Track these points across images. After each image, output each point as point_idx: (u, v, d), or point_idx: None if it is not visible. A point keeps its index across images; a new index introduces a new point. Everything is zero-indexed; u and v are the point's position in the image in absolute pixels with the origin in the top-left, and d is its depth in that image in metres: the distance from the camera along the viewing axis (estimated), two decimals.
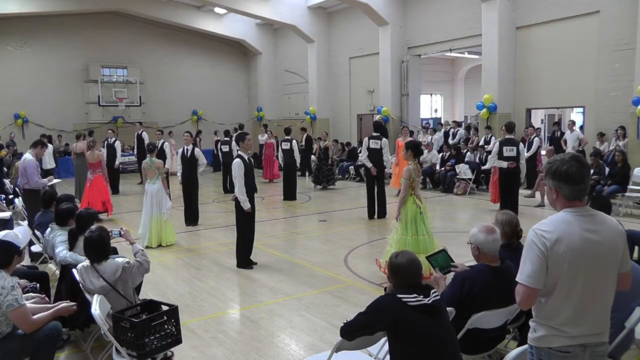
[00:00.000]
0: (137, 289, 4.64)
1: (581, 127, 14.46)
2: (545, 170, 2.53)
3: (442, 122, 19.44)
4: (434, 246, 6.10)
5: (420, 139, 15.62)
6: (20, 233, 4.30)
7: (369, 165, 10.11)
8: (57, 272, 5.36)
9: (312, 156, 16.84)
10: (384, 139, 10.32)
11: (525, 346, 2.71)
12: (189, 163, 9.89)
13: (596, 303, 2.47)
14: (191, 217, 10.07)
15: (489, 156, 10.84)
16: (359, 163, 15.97)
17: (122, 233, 4.54)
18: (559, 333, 2.44)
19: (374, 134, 10.32)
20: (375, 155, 10.13)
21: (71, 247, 5.00)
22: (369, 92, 19.16)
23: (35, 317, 3.72)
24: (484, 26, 14.35)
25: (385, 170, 10.48)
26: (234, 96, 24.79)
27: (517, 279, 2.48)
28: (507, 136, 9.79)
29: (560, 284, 2.42)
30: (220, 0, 18.51)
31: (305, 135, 17.63)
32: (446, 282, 3.69)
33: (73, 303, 4.05)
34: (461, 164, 13.62)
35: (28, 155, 8.29)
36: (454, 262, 3.80)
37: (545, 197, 4.77)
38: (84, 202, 10.30)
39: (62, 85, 20.77)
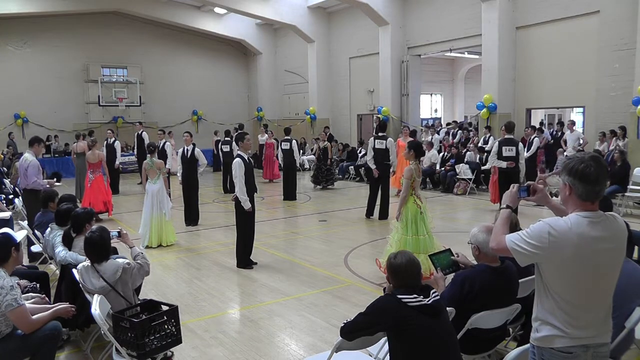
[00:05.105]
0: (137, 291, 4.64)
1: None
2: (563, 166, 2.50)
3: (439, 122, 19.52)
4: (434, 246, 6.11)
5: (422, 139, 15.64)
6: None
7: (373, 167, 9.99)
8: (57, 272, 5.36)
9: (312, 156, 16.81)
10: (389, 138, 10.21)
11: (526, 346, 2.71)
12: (189, 163, 9.89)
13: (599, 304, 2.47)
14: (191, 217, 10.07)
15: (489, 156, 10.84)
16: (360, 163, 15.99)
17: (121, 235, 4.51)
18: (562, 333, 2.44)
19: (380, 133, 10.13)
20: (381, 156, 9.99)
21: (68, 248, 4.98)
22: (369, 92, 19.16)
23: (34, 317, 3.71)
24: (484, 26, 14.35)
25: (390, 170, 10.29)
26: (234, 96, 24.79)
27: (507, 236, 2.51)
28: (506, 136, 9.79)
29: (565, 285, 2.42)
30: (220, 0, 18.51)
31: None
32: (446, 283, 3.69)
33: (72, 305, 4.05)
34: (461, 164, 13.62)
35: (29, 156, 8.12)
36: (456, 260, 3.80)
37: None
38: (85, 202, 10.30)
39: (62, 85, 20.77)
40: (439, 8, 16.28)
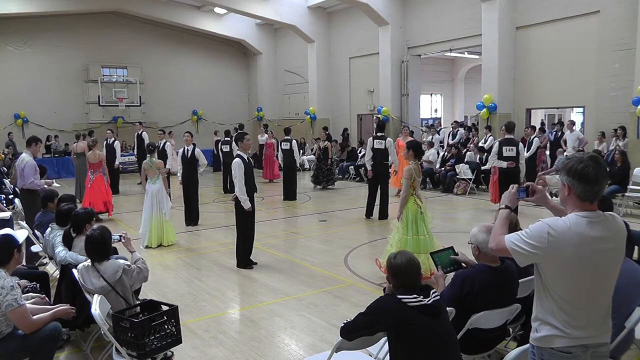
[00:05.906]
0: (137, 293, 4.64)
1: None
2: (562, 166, 2.50)
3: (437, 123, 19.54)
4: (434, 246, 6.11)
5: (424, 139, 15.63)
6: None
7: (369, 167, 10.01)
8: (57, 272, 5.35)
9: (312, 156, 16.80)
10: (388, 138, 10.21)
11: (526, 346, 2.71)
12: (189, 163, 9.89)
13: (599, 304, 2.47)
14: (191, 217, 10.07)
15: (489, 156, 10.84)
16: (360, 163, 15.98)
17: (123, 240, 4.51)
18: (561, 333, 2.44)
19: (379, 133, 10.15)
20: (380, 156, 10.00)
21: (68, 248, 4.98)
22: (369, 92, 19.17)
23: (34, 317, 3.72)
24: (484, 26, 14.35)
25: (392, 169, 10.26)
26: (234, 96, 24.80)
27: (506, 236, 2.51)
28: (506, 136, 9.79)
29: (564, 285, 2.42)
30: (220, 0, 18.52)
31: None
32: (446, 282, 3.69)
33: (72, 307, 4.05)
34: (461, 164, 13.62)
35: (26, 156, 8.16)
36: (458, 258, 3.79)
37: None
38: (85, 202, 10.30)
39: (62, 85, 20.78)
40: (439, 8, 16.28)
